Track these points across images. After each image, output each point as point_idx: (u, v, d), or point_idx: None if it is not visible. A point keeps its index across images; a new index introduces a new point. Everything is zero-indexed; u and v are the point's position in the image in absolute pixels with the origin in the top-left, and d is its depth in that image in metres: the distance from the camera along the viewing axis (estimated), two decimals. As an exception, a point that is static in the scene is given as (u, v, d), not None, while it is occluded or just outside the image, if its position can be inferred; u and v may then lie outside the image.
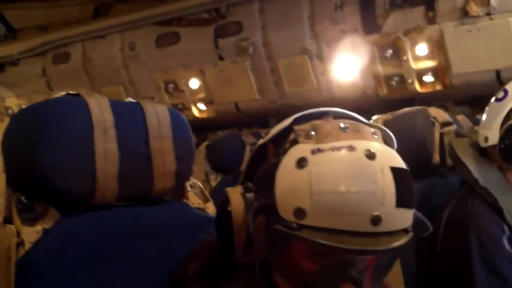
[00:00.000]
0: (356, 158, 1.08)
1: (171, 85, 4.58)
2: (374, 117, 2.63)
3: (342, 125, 1.15)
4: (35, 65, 5.13)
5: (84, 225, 1.29)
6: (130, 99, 1.49)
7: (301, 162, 1.09)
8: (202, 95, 4.51)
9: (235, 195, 1.19)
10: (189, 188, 1.61)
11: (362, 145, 1.10)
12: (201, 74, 4.44)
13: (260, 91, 4.28)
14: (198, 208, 1.59)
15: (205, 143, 4.07)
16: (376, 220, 1.05)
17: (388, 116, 2.60)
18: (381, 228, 1.06)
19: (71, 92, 1.35)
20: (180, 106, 4.61)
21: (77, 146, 1.28)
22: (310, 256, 1.13)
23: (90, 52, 4.85)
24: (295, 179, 1.09)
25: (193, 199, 1.60)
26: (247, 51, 4.14)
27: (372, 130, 1.18)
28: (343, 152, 1.09)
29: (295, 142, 1.15)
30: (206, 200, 1.65)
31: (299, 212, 1.07)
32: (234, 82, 4.32)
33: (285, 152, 1.15)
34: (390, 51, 3.73)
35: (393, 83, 3.82)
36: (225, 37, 4.25)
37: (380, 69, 3.79)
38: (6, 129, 1.29)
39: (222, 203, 1.20)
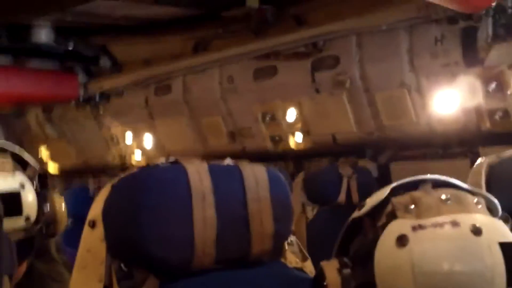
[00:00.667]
0: (461, 235, 1.03)
1: (268, 116, 4.64)
2: (478, 161, 2.51)
3: (443, 197, 1.10)
4: (138, 96, 5.36)
5: (183, 293, 1.32)
6: (229, 161, 1.52)
7: (402, 240, 1.04)
8: (299, 125, 4.54)
9: (331, 271, 1.17)
10: (286, 246, 1.61)
11: (466, 220, 1.05)
12: (298, 106, 4.47)
13: (357, 123, 4.25)
14: (296, 268, 1.59)
15: (302, 175, 4.09)
16: None
17: (494, 159, 2.45)
18: None
19: (171, 159, 1.40)
20: (277, 137, 4.66)
21: (176, 214, 1.31)
22: None
23: (190, 84, 5.01)
24: (396, 259, 1.04)
25: (291, 258, 1.60)
26: (344, 85, 4.13)
27: (475, 199, 1.12)
28: (446, 228, 1.04)
29: (393, 216, 1.10)
30: (304, 258, 1.65)
31: None
32: (330, 114, 4.32)
33: (383, 227, 1.11)
34: (493, 85, 3.60)
35: (497, 117, 3.68)
36: (321, 71, 4.26)
37: (483, 103, 3.66)
38: (107, 198, 1.34)
39: (318, 277, 1.19)
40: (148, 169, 1.38)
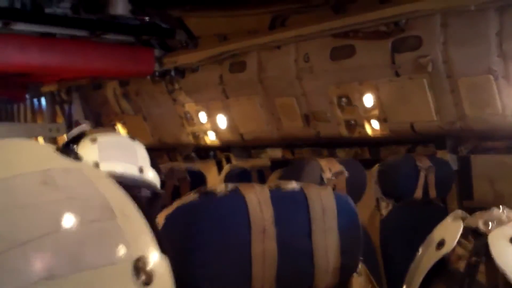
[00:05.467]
0: None
1: (344, 100, 4.46)
2: None
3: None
4: (213, 73, 5.28)
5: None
6: (294, 185, 1.40)
7: None
8: (375, 112, 4.34)
9: None
10: (354, 275, 1.50)
11: None
12: (375, 90, 4.27)
13: (437, 112, 4.01)
14: (364, 302, 1.48)
15: (377, 166, 3.88)
16: None
17: None
18: None
19: (230, 186, 1.29)
20: (353, 122, 4.48)
21: (233, 251, 1.22)
22: None
23: (266, 62, 4.87)
24: None
25: (359, 291, 1.49)
26: (425, 68, 3.89)
27: None
28: None
29: (479, 234, 1.17)
30: (373, 288, 1.53)
31: None
32: (410, 100, 4.10)
33: (475, 249, 1.15)
34: None
35: None
36: (402, 52, 4.03)
37: None
38: (161, 229, 1.26)
39: None
40: (205, 200, 1.27)
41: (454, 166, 3.97)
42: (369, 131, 4.42)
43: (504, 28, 3.56)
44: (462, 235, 1.18)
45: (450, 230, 1.20)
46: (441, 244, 1.20)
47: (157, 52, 5.54)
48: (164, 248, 0.69)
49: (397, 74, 4.11)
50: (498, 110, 3.69)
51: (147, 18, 5.24)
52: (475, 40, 3.68)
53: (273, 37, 4.72)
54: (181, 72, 5.57)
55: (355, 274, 1.50)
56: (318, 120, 4.72)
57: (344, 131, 4.56)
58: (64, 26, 4.89)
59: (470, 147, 4.06)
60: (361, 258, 1.47)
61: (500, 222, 1.16)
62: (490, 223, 1.16)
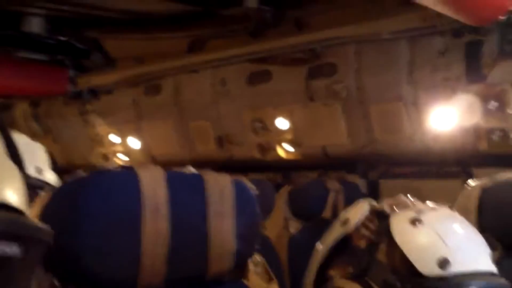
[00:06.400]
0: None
1: (258, 124, 4.47)
2: (470, 183, 2.35)
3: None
4: (127, 95, 5.19)
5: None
6: (191, 169, 1.35)
7: (415, 222, 1.17)
8: (289, 136, 4.37)
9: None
10: (251, 267, 1.45)
11: None
12: (289, 115, 4.31)
13: (349, 136, 4.08)
14: (259, 291, 1.43)
15: (287, 188, 3.90)
16: None
17: (487, 182, 2.30)
18: None
19: (124, 165, 1.23)
20: (266, 145, 4.50)
21: (121, 227, 1.14)
22: None
23: (182, 86, 4.85)
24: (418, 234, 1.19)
25: (255, 280, 1.44)
26: (339, 94, 3.97)
27: None
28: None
29: (385, 217, 1.25)
30: (269, 280, 1.49)
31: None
32: (323, 125, 4.16)
33: (378, 229, 1.23)
34: (494, 103, 3.44)
35: (495, 137, 3.52)
36: (317, 78, 4.10)
37: (482, 122, 3.50)
38: (46, 202, 1.16)
39: None
40: (95, 174, 1.19)
41: (364, 190, 4.03)
42: (282, 154, 4.43)
43: (415, 57, 3.69)
44: (368, 219, 1.24)
45: (355, 210, 1.29)
46: (345, 222, 1.29)
47: (71, 72, 5.38)
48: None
49: (311, 100, 4.16)
50: (407, 135, 3.80)
51: (62, 38, 5.10)
52: (387, 68, 3.80)
53: (190, 60, 4.68)
54: (94, 93, 5.43)
55: (251, 264, 1.45)
56: (231, 143, 4.70)
57: (257, 154, 4.56)
58: (-26, 41, 4.69)
59: (379, 173, 4.14)
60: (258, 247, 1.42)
61: (405, 207, 1.20)
62: (395, 207, 1.21)
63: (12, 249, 0.50)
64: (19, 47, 5.01)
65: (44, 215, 1.15)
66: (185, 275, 1.26)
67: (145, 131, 5.22)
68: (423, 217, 1.16)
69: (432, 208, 1.19)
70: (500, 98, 3.40)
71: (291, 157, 4.44)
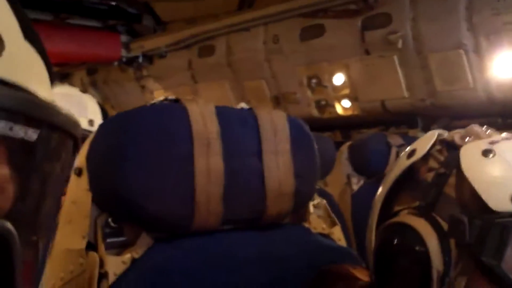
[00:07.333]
0: None
1: (314, 80, 4.37)
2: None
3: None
4: (181, 58, 5.16)
5: (180, 255, 1.10)
6: (243, 105, 1.29)
7: (487, 152, 1.00)
8: (346, 91, 4.25)
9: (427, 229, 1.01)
10: (312, 210, 1.39)
11: None
12: (345, 69, 4.19)
13: (408, 89, 3.94)
14: (322, 234, 1.36)
15: (348, 143, 3.79)
16: None
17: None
18: None
19: (170, 97, 1.18)
20: (323, 102, 4.39)
21: (172, 164, 1.08)
22: None
23: (234, 45, 4.77)
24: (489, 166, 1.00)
25: (316, 224, 1.38)
26: (395, 45, 3.82)
27: None
28: None
29: (454, 147, 1.08)
30: (332, 224, 1.42)
31: None
32: (380, 78, 4.02)
33: (446, 161, 1.07)
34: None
35: None
36: (372, 30, 3.94)
37: (549, 66, 3.31)
38: (92, 140, 1.12)
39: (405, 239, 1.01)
40: (138, 110, 1.12)
41: (427, 144, 3.89)
42: (340, 110, 4.33)
43: (474, 1, 3.50)
44: (437, 150, 1.11)
45: (422, 141, 1.13)
46: (411, 154, 1.13)
47: (123, 38, 5.40)
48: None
49: (367, 52, 4.03)
50: (469, 84, 3.63)
51: (113, 3, 5.10)
52: (444, 14, 3.61)
53: (240, 18, 4.61)
54: (149, 58, 5.44)
55: (312, 206, 1.39)
56: (288, 102, 4.62)
57: (314, 112, 4.47)
58: (27, 8, 4.73)
59: (442, 126, 3.97)
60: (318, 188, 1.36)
61: (477, 137, 1.08)
62: (467, 137, 1.09)
63: (27, 132, 0.43)
64: (72, 13, 5.04)
65: (91, 154, 1.11)
66: (242, 215, 1.20)
67: (201, 93, 5.19)
68: (496, 148, 1.02)
69: (508, 138, 1.05)
70: None
71: (349, 113, 4.33)
